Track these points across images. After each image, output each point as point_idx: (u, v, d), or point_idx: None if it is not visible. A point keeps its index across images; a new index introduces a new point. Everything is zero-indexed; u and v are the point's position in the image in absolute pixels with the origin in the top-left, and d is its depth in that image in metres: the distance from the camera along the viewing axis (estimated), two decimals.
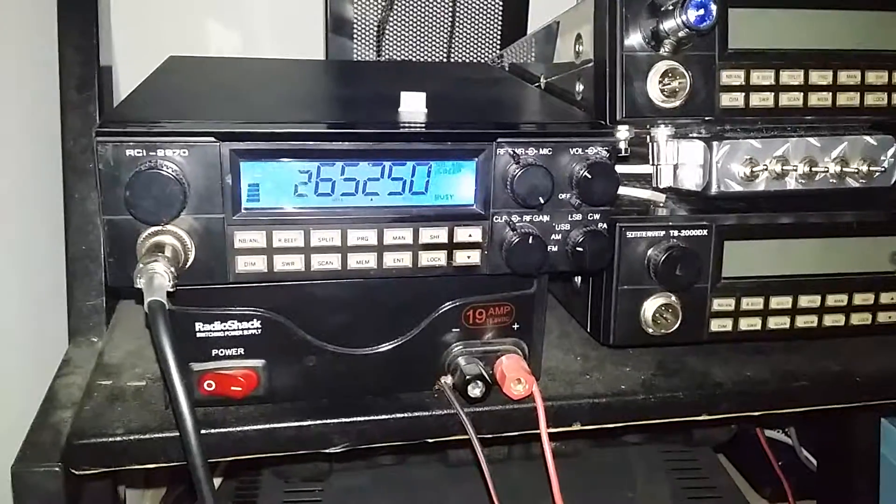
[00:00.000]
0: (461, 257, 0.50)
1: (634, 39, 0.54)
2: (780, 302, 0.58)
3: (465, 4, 0.92)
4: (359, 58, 0.90)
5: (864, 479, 0.89)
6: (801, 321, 0.59)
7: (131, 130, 0.43)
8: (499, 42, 0.94)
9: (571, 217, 0.51)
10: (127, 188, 0.42)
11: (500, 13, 0.93)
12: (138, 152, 0.43)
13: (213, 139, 0.44)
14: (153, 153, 0.43)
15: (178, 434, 0.47)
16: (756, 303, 0.58)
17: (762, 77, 0.56)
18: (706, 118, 0.56)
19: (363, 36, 0.89)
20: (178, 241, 0.44)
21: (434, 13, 0.91)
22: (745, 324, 0.58)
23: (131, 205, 0.43)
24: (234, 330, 0.50)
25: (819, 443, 1.00)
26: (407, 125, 0.49)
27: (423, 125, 0.49)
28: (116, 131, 0.43)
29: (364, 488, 0.81)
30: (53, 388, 0.55)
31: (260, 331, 0.50)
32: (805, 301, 0.58)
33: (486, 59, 0.94)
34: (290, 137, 0.45)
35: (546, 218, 0.50)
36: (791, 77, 0.56)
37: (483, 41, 0.94)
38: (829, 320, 0.59)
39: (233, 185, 0.45)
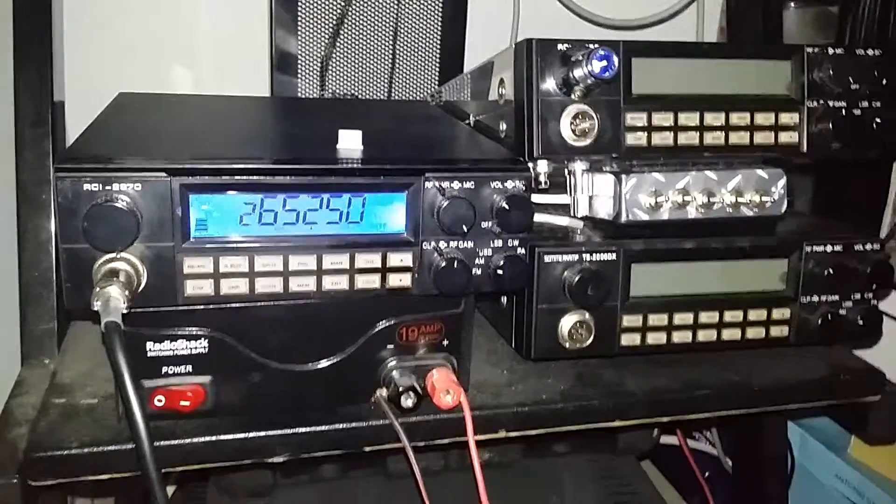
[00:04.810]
0: (394, 280, 0.55)
1: (549, 85, 0.60)
2: (682, 318, 0.64)
3: (405, 43, 0.98)
4: (303, 94, 0.95)
5: (773, 480, 0.96)
6: (702, 335, 0.65)
7: (88, 167, 0.47)
8: (437, 79, 1.00)
9: (493, 243, 0.56)
10: (84, 219, 0.46)
11: (438, 52, 0.99)
12: (95, 187, 0.47)
13: (164, 174, 0.48)
14: (109, 187, 0.47)
15: (129, 447, 0.50)
16: (661, 319, 0.64)
17: (663, 119, 0.62)
18: (613, 155, 0.62)
19: (307, 73, 0.94)
20: (132, 267, 0.48)
21: (375, 51, 0.97)
22: (652, 338, 0.64)
23: (88, 235, 0.47)
24: (183, 349, 0.53)
25: (733, 448, 1.06)
26: (344, 161, 0.54)
27: (359, 161, 0.54)
28: (75, 167, 0.47)
29: (308, 502, 0.84)
30: (8, 408, 0.58)
31: (207, 349, 0.54)
32: (705, 317, 0.65)
33: (426, 94, 1.00)
34: (236, 172, 0.50)
35: (470, 244, 0.56)
36: (688, 119, 0.63)
37: (422, 78, 1.00)
38: (727, 334, 0.65)
39: (182, 217, 0.49)
